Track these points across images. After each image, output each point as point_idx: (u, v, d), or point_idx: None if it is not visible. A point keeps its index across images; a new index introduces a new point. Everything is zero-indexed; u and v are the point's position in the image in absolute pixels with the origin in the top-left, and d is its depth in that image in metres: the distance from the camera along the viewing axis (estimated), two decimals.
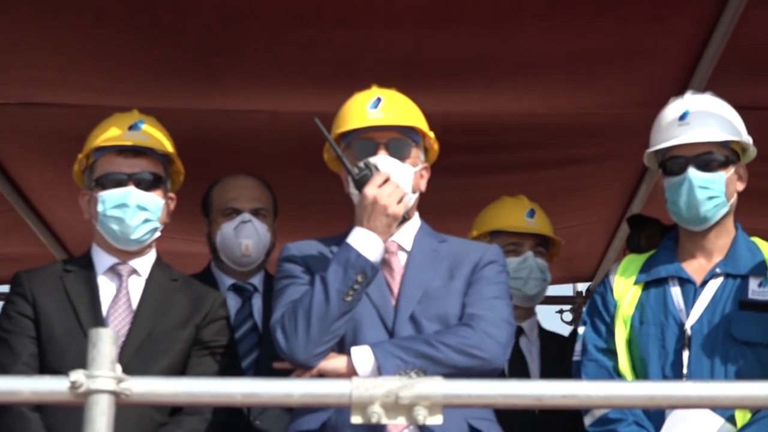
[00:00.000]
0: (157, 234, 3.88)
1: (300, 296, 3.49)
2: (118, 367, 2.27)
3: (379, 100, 3.66)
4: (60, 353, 3.69)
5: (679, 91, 3.96)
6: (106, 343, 2.27)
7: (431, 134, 3.72)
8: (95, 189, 3.82)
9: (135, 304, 3.80)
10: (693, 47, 4.66)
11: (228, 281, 4.54)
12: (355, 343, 3.48)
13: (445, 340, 3.46)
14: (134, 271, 3.85)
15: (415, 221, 3.68)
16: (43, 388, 2.29)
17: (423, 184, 3.69)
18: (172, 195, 3.93)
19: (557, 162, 5.72)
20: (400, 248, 3.63)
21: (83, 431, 2.22)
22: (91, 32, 4.51)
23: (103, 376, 2.25)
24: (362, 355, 3.44)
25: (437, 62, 4.71)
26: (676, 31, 4.58)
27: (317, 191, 5.65)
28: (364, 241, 3.47)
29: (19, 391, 2.29)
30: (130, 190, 3.78)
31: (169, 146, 3.90)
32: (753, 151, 3.80)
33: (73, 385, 2.24)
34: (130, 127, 3.85)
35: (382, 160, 3.57)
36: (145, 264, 3.88)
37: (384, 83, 3.76)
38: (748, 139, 3.78)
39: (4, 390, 2.33)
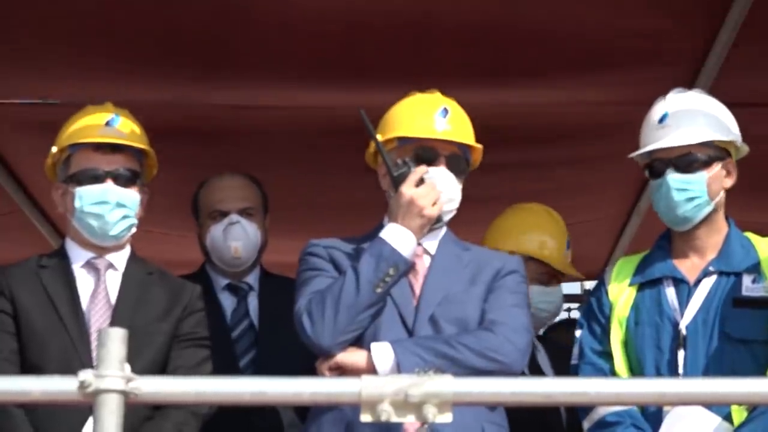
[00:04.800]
0: (134, 230, 3.85)
1: (328, 285, 3.53)
2: (127, 367, 2.26)
3: (446, 110, 3.68)
4: (41, 349, 3.68)
5: (688, 88, 3.95)
6: (114, 342, 2.26)
7: (479, 152, 3.75)
8: (71, 184, 3.80)
9: (113, 298, 3.78)
10: (701, 43, 4.66)
11: (223, 281, 4.51)
12: (375, 340, 3.52)
13: (465, 341, 3.49)
14: (111, 266, 3.83)
15: (442, 228, 3.70)
16: (52, 388, 2.28)
17: None
18: (146, 189, 3.91)
19: (565, 159, 5.72)
20: (425, 252, 3.67)
21: (94, 431, 2.22)
22: (99, 29, 4.51)
23: (111, 376, 2.23)
24: (382, 352, 3.48)
25: (446, 60, 4.71)
26: (684, 27, 4.58)
27: (326, 188, 5.66)
28: (398, 237, 3.53)
29: (29, 390, 2.28)
30: (109, 186, 3.77)
31: (145, 142, 3.89)
32: (744, 147, 3.80)
33: (82, 385, 2.23)
34: (107, 123, 3.83)
35: (440, 172, 3.62)
36: (120, 258, 3.86)
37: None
38: (734, 137, 3.77)
39: (13, 390, 2.31)
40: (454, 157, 3.66)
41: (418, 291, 3.61)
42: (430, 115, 3.67)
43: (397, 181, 3.55)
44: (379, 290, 3.49)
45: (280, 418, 4.32)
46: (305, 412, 4.10)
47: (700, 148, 3.72)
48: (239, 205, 4.48)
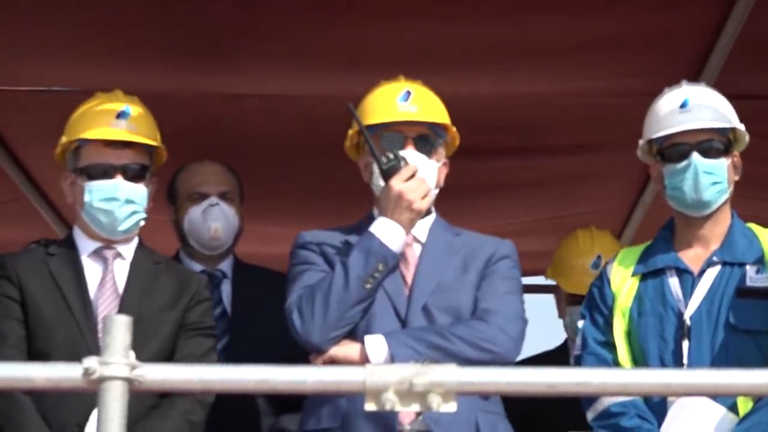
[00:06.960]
0: (142, 223, 3.86)
1: (318, 281, 3.52)
2: (132, 354, 2.26)
3: (408, 93, 3.68)
4: (48, 336, 3.68)
5: (693, 79, 3.96)
6: (119, 329, 2.26)
7: (454, 129, 3.74)
8: (81, 176, 3.80)
9: (121, 287, 3.79)
10: (707, 34, 4.66)
11: (197, 268, 4.51)
12: (368, 331, 3.51)
13: (458, 332, 3.48)
14: (118, 255, 3.84)
15: (431, 215, 3.69)
16: (57, 375, 2.28)
17: (442, 179, 3.73)
18: (154, 180, 3.91)
19: (569, 148, 5.71)
20: (416, 240, 3.66)
21: (98, 418, 2.22)
22: (104, 16, 4.50)
23: (116, 363, 2.24)
24: (376, 344, 3.47)
25: (449, 48, 4.71)
26: (690, 18, 4.58)
27: (326, 176, 5.65)
28: (387, 231, 3.52)
29: (33, 377, 2.28)
30: (119, 183, 3.76)
31: (156, 136, 3.88)
32: (745, 141, 3.81)
33: (87, 372, 2.23)
34: (118, 115, 3.81)
35: (409, 154, 3.60)
36: (128, 247, 3.86)
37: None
38: (742, 127, 3.80)
39: (17, 377, 2.32)
40: (423, 137, 3.65)
41: (410, 280, 3.60)
42: (392, 99, 3.67)
43: (386, 174, 3.54)
44: (368, 286, 3.48)
45: (256, 407, 4.34)
46: (278, 402, 4.13)
47: (718, 136, 3.75)
48: (219, 189, 4.53)
